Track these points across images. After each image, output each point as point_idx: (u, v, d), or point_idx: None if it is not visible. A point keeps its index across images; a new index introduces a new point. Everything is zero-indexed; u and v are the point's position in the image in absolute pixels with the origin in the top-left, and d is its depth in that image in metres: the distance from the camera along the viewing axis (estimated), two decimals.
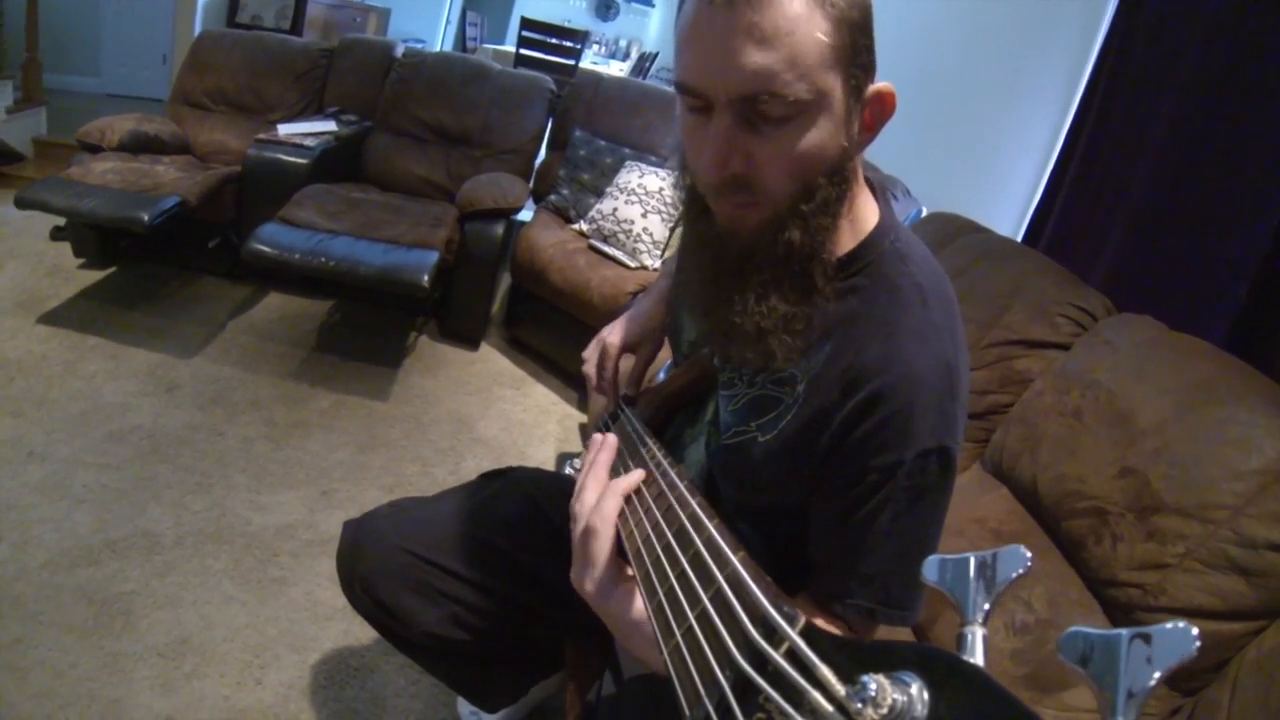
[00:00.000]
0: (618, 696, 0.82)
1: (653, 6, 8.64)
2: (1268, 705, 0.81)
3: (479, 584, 0.97)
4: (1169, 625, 0.24)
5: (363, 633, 1.48)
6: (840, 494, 0.68)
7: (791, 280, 0.66)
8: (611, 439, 0.71)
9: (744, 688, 0.35)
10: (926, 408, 0.64)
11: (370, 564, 0.97)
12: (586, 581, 0.59)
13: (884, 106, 0.65)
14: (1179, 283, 1.47)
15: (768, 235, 0.65)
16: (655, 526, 0.54)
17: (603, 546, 0.59)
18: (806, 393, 0.69)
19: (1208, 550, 0.93)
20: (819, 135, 0.61)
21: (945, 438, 0.65)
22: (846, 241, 0.70)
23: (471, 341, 2.77)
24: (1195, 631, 0.23)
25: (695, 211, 0.72)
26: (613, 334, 1.01)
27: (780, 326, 0.67)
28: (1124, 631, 0.24)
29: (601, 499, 0.60)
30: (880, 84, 0.64)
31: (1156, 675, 0.23)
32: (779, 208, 0.64)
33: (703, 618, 0.41)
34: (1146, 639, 0.24)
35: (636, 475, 0.63)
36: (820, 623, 0.68)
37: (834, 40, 0.59)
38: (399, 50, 3.18)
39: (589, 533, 0.59)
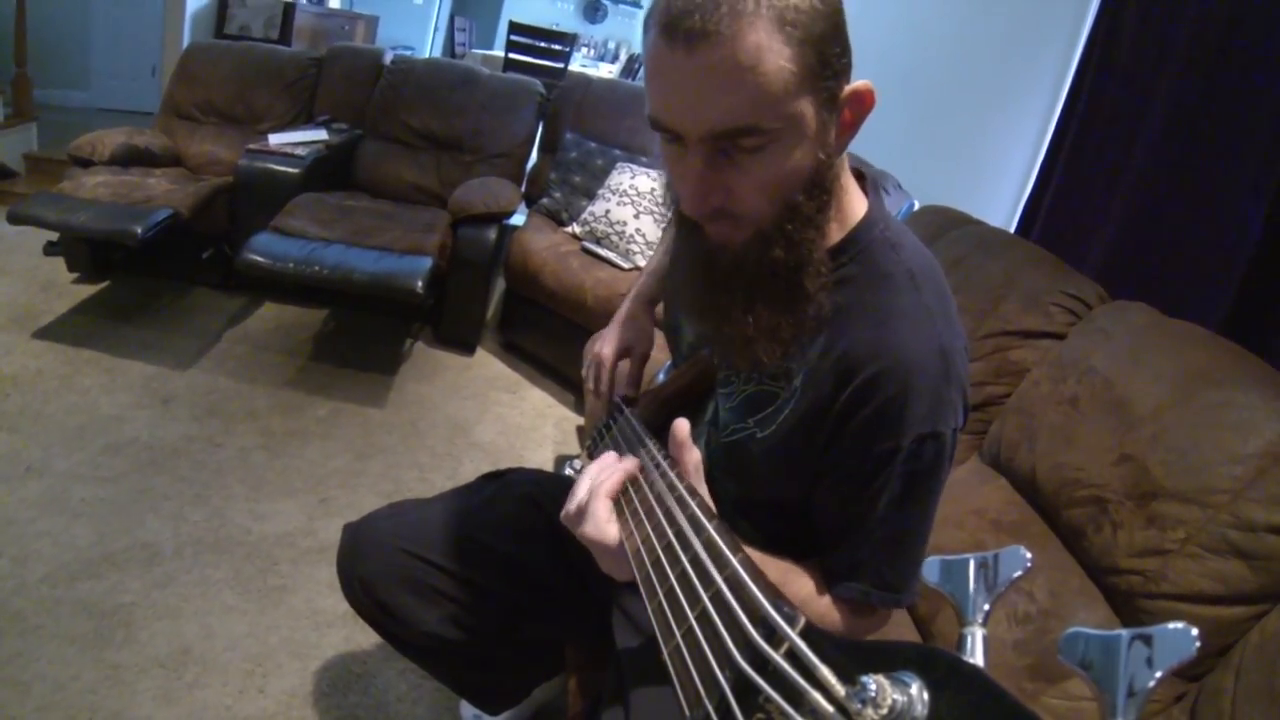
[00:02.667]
0: (617, 701, 0.82)
1: (640, 8, 8.63)
2: (1272, 689, 0.81)
3: (478, 585, 0.98)
4: (1170, 626, 0.23)
5: (364, 639, 1.48)
6: (840, 483, 0.69)
7: (778, 291, 0.67)
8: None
9: (744, 688, 0.35)
10: (921, 393, 0.65)
11: (369, 565, 0.97)
12: (616, 571, 0.61)
13: (862, 104, 0.64)
14: (1173, 269, 1.47)
15: (754, 251, 0.66)
16: (656, 527, 0.54)
17: (602, 535, 0.59)
18: (802, 387, 0.70)
19: (1208, 535, 0.93)
20: (793, 157, 0.61)
21: (939, 423, 0.66)
22: (834, 234, 0.70)
23: (467, 346, 2.76)
24: (1195, 632, 0.23)
25: (685, 227, 0.72)
26: (605, 345, 1.02)
27: (766, 334, 0.67)
28: (1124, 632, 0.24)
29: (592, 496, 0.62)
30: (857, 83, 0.63)
31: (1157, 676, 0.23)
32: (763, 226, 0.65)
33: (703, 618, 0.41)
34: (1147, 640, 0.24)
35: (629, 464, 0.64)
36: (826, 601, 0.69)
37: (798, 64, 0.57)
38: (388, 57, 3.18)
39: (585, 531, 0.60)
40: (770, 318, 0.67)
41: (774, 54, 0.56)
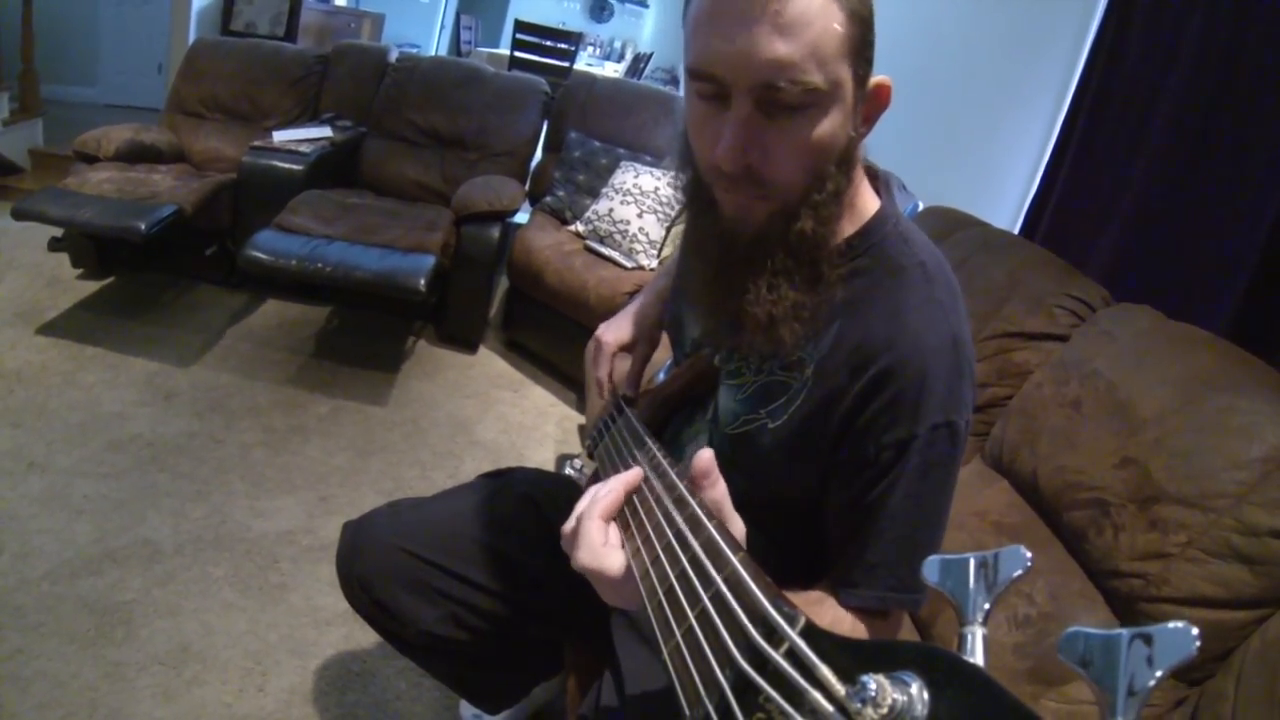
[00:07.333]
0: (617, 701, 0.81)
1: (646, 7, 8.63)
2: (1273, 694, 0.81)
3: (477, 584, 0.97)
4: (1170, 625, 0.23)
5: (364, 637, 1.48)
6: (853, 478, 0.68)
7: (801, 269, 0.67)
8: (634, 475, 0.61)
9: (744, 688, 0.35)
10: (935, 382, 0.65)
11: (369, 564, 0.97)
12: (618, 599, 0.55)
13: (880, 99, 0.67)
14: (1177, 273, 1.46)
15: (778, 225, 0.66)
16: (655, 527, 0.53)
17: (599, 562, 0.54)
18: (815, 376, 0.70)
19: (1210, 539, 0.93)
20: (831, 125, 0.62)
21: (952, 413, 0.66)
22: (846, 227, 0.71)
23: (469, 345, 2.76)
24: (1196, 631, 0.23)
25: (700, 204, 0.72)
26: (608, 332, 1.01)
27: (790, 314, 0.67)
28: (1124, 631, 0.24)
29: (584, 518, 0.56)
30: (878, 77, 0.66)
31: (1157, 675, 0.23)
32: (790, 198, 0.65)
33: (703, 618, 0.41)
34: (1147, 639, 0.23)
35: (630, 477, 0.58)
36: (832, 605, 0.67)
37: (847, 31, 0.60)
38: (393, 55, 3.18)
39: (580, 559, 0.55)
40: (794, 296, 0.67)
41: (831, 16, 0.59)
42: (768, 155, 0.63)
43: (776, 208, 0.65)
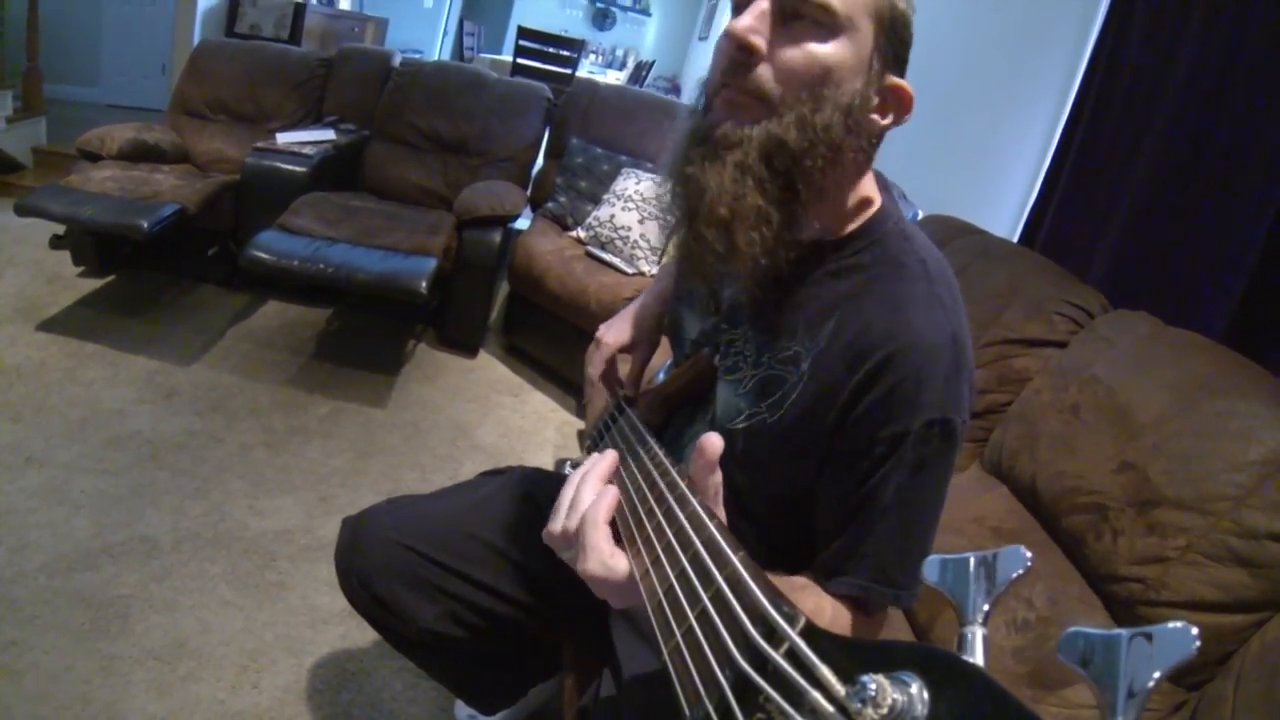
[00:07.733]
0: (616, 700, 0.81)
1: (649, 16, 8.67)
2: (1272, 697, 0.81)
3: (477, 581, 0.97)
4: (1170, 625, 0.23)
5: (360, 637, 1.48)
6: (846, 470, 0.68)
7: (772, 175, 0.65)
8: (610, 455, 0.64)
9: (744, 687, 0.35)
10: (933, 377, 0.65)
11: (368, 560, 0.97)
12: (617, 600, 0.55)
13: (901, 103, 0.68)
14: (1175, 280, 1.47)
15: (760, 133, 0.65)
16: (656, 527, 0.53)
17: (609, 571, 0.53)
18: (811, 370, 0.70)
19: (1209, 542, 0.93)
20: (838, 55, 0.64)
21: (949, 410, 0.65)
22: (850, 222, 0.72)
23: (469, 349, 2.76)
24: (1196, 631, 0.23)
25: (696, 135, 0.70)
26: (609, 333, 1.01)
27: (750, 219, 0.65)
28: (1124, 631, 0.24)
29: (588, 527, 0.55)
30: (905, 81, 0.68)
31: (1157, 675, 0.23)
32: (781, 113, 0.64)
33: (703, 617, 0.41)
34: (1147, 638, 0.24)
35: (609, 462, 0.62)
36: (815, 592, 0.67)
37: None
38: (397, 60, 3.19)
39: (589, 569, 0.54)
40: (758, 202, 0.65)
41: None
42: (775, 56, 0.64)
43: (770, 122, 0.64)
